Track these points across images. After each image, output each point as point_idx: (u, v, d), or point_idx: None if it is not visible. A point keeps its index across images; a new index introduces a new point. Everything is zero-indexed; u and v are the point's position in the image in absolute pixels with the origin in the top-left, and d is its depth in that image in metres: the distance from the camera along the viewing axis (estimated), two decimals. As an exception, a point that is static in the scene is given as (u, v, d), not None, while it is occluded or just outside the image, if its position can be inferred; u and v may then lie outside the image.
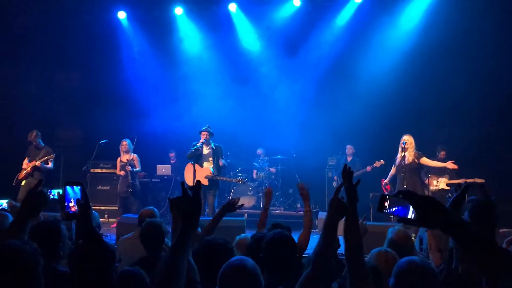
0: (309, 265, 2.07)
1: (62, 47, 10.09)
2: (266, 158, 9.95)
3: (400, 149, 7.42)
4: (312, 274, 2.01)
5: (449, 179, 7.98)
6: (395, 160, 7.61)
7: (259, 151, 10.06)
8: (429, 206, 1.36)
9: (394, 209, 1.52)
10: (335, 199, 2.06)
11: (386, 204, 1.54)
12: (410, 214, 1.45)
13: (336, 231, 2.07)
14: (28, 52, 9.99)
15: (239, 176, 9.02)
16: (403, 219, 1.47)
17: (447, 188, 8.07)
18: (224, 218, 3.87)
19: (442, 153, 8.24)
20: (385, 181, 8.11)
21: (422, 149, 7.67)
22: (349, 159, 9.33)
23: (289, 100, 9.69)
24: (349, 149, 9.33)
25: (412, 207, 1.40)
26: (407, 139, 7.33)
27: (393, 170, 7.76)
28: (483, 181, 7.54)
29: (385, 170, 8.51)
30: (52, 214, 4.73)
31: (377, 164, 8.55)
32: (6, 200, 3.86)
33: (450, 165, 7.44)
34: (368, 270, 2.02)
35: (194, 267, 2.16)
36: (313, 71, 9.65)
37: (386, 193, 1.58)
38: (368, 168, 8.66)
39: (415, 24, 9.30)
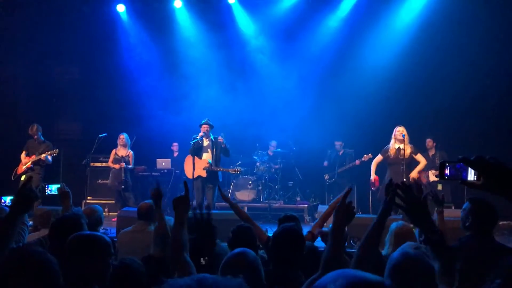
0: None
1: (61, 40, 10.00)
2: (265, 152, 9.88)
3: (395, 141, 7.26)
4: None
5: (436, 170, 7.90)
6: (386, 151, 7.39)
7: (272, 146, 9.94)
8: (497, 171, 1.32)
9: (453, 174, 1.51)
10: (343, 204, 2.01)
11: (446, 171, 1.53)
12: (472, 177, 1.43)
13: (343, 236, 2.07)
14: (26, 45, 9.95)
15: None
16: (466, 182, 1.44)
17: (437, 179, 8.09)
18: (222, 212, 3.86)
19: (428, 140, 8.44)
20: (374, 177, 7.71)
21: (414, 142, 7.55)
22: (340, 153, 9.32)
23: (289, 93, 9.64)
24: (338, 145, 9.32)
25: (479, 172, 1.37)
26: (404, 131, 7.16)
27: (378, 160, 7.57)
28: None
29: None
30: (50, 208, 4.74)
31: (365, 157, 8.49)
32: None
33: None
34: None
35: (190, 263, 2.20)
36: (313, 65, 9.60)
37: (444, 160, 1.56)
38: (357, 162, 8.65)
39: (415, 15, 9.23)
